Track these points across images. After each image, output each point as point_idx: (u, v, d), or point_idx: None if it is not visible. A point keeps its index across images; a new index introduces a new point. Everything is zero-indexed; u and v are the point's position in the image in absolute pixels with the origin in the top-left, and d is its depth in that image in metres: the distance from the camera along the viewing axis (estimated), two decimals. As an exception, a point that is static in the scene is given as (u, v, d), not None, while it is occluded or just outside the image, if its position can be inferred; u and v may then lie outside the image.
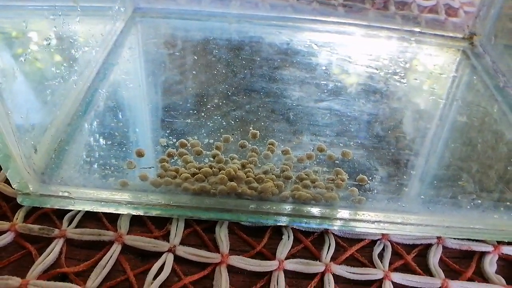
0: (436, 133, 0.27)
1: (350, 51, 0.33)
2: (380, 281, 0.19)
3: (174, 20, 0.35)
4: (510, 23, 0.33)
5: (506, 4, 0.33)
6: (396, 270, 0.20)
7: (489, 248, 0.21)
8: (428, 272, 0.20)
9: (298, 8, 0.37)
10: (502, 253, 0.21)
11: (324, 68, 0.31)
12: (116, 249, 0.20)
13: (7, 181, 0.22)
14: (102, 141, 0.24)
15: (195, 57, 0.31)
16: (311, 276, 0.19)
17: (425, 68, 0.32)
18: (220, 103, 0.27)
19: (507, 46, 0.33)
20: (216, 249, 0.20)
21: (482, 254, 0.21)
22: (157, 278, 0.19)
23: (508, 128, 0.28)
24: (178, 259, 0.20)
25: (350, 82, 0.30)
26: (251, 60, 0.31)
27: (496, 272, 0.20)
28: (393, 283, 0.19)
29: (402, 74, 0.31)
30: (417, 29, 0.36)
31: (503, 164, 0.25)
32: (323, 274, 0.19)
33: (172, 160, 0.22)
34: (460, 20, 0.38)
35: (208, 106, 0.26)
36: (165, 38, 0.33)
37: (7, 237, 0.20)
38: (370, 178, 0.22)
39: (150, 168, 0.22)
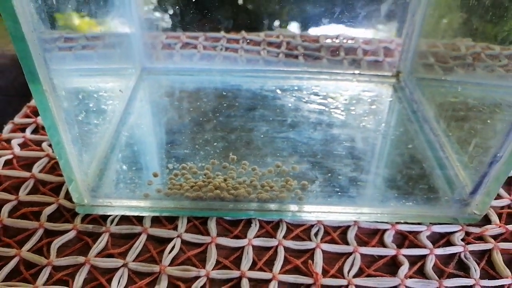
0: (363, 149, 0.37)
1: (306, 93, 0.44)
2: (313, 250, 0.30)
3: (172, 76, 0.46)
4: (420, 62, 0.44)
5: (418, 49, 0.44)
6: (325, 242, 0.30)
7: (388, 226, 0.32)
8: (346, 243, 0.31)
9: (268, 61, 0.48)
10: (397, 229, 0.32)
11: (285, 107, 0.42)
12: (143, 237, 0.30)
13: (65, 198, 0.33)
14: (128, 167, 0.35)
15: (189, 103, 0.42)
16: (269, 248, 0.30)
17: (362, 101, 0.43)
18: (209, 137, 0.38)
19: (418, 79, 0.44)
20: (208, 234, 0.31)
21: (384, 231, 0.31)
22: (170, 253, 0.29)
23: (417, 140, 0.38)
24: (183, 242, 0.30)
25: (303, 117, 0.41)
26: (231, 104, 0.42)
27: (392, 242, 0.31)
28: (323, 251, 0.30)
29: (343, 108, 0.42)
30: (357, 71, 0.47)
31: (406, 168, 0.36)
32: (277, 247, 0.30)
33: (177, 178, 0.33)
34: (394, 59, 0.49)
35: (200, 140, 0.37)
36: (166, 90, 0.44)
37: (71, 234, 0.31)
38: (310, 183, 0.33)
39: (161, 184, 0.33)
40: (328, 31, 0.52)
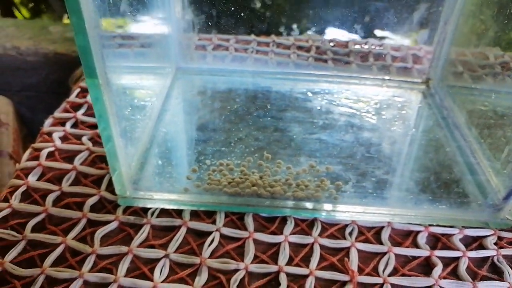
0: (395, 152, 0.38)
1: (336, 96, 0.45)
2: (348, 248, 0.31)
3: (205, 76, 0.47)
4: (451, 70, 0.45)
5: (449, 56, 0.45)
6: (360, 241, 0.31)
7: (422, 228, 0.32)
8: (380, 243, 0.31)
9: (298, 64, 0.49)
10: (430, 232, 0.32)
11: (316, 110, 0.43)
12: (183, 230, 0.31)
13: (107, 190, 0.34)
14: (168, 162, 0.36)
15: (222, 103, 0.43)
16: (305, 245, 0.31)
17: (392, 106, 0.44)
18: (242, 136, 0.39)
19: (449, 86, 0.44)
20: (245, 229, 0.32)
21: (417, 232, 0.32)
22: (210, 246, 0.30)
23: (447, 146, 0.39)
24: (222, 236, 0.31)
25: (334, 119, 0.41)
26: (263, 105, 0.43)
27: (425, 243, 0.31)
28: (358, 250, 0.31)
29: (373, 112, 0.43)
30: (387, 77, 0.48)
31: (438, 172, 0.36)
32: (313, 244, 0.31)
33: (214, 174, 0.34)
34: (423, 66, 0.50)
35: (235, 138, 0.38)
36: (199, 90, 0.46)
37: (114, 224, 0.32)
38: (345, 183, 0.34)
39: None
40: (359, 37, 0.53)
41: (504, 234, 0.32)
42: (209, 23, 0.48)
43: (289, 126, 0.40)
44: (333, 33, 0.54)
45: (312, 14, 0.53)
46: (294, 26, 0.55)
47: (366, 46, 0.52)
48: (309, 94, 0.45)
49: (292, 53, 0.51)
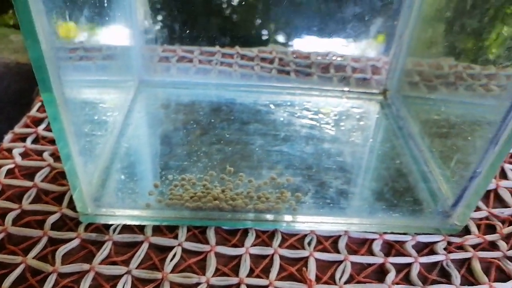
0: (352, 163, 0.40)
1: (298, 108, 0.46)
2: (307, 258, 0.32)
3: (169, 89, 0.48)
4: (407, 80, 0.47)
5: (405, 67, 0.47)
6: (318, 251, 0.32)
7: (376, 236, 0.34)
8: (337, 252, 0.33)
9: (261, 76, 0.50)
10: (385, 239, 0.34)
11: (278, 122, 0.44)
12: (145, 246, 0.32)
13: (68, 207, 0.34)
14: (129, 178, 0.36)
15: (186, 116, 0.44)
16: (266, 256, 0.32)
17: (351, 117, 0.46)
18: (206, 149, 0.39)
19: (404, 97, 0.47)
20: (207, 243, 0.32)
21: (373, 240, 0.34)
22: (172, 261, 0.31)
23: (402, 155, 0.41)
24: (184, 250, 0.32)
25: (296, 131, 0.43)
26: (226, 118, 0.44)
27: (380, 250, 0.33)
28: (316, 259, 0.32)
29: (333, 124, 0.44)
30: (346, 88, 0.49)
31: (393, 181, 0.38)
32: (273, 255, 0.32)
33: (177, 189, 0.35)
34: (381, 77, 0.52)
35: (198, 152, 0.39)
36: (163, 102, 0.46)
37: (75, 242, 0.32)
38: (304, 194, 0.35)
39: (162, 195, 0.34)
40: (319, 48, 0.55)
41: (453, 239, 0.34)
42: (173, 34, 0.48)
43: (252, 138, 0.41)
44: (296, 44, 0.56)
45: (275, 25, 0.55)
46: (258, 36, 0.56)
47: (327, 58, 0.53)
48: (272, 106, 0.46)
49: (255, 65, 0.52)
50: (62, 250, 0.31)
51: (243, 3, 0.55)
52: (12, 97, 0.75)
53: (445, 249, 0.33)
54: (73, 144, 0.28)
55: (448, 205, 0.34)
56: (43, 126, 0.43)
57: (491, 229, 0.36)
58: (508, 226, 0.36)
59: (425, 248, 0.33)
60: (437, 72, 0.45)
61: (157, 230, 0.33)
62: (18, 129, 0.43)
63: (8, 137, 0.42)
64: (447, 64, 0.45)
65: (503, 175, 0.41)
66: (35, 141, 0.41)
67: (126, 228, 0.33)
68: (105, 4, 0.37)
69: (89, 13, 0.33)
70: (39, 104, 0.46)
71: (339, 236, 0.34)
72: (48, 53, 0.24)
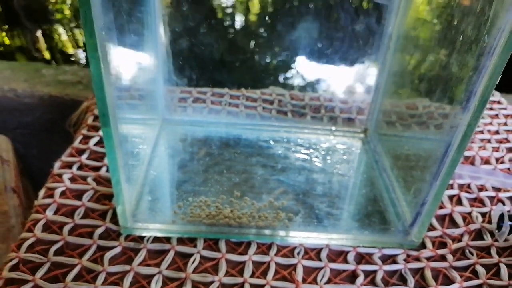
0: (335, 190, 0.49)
1: (293, 144, 0.56)
2: (296, 264, 0.41)
3: (186, 126, 0.58)
4: (384, 120, 0.57)
5: (382, 108, 0.57)
6: (305, 259, 0.42)
7: (351, 249, 0.43)
8: (320, 260, 0.42)
9: (263, 116, 0.61)
10: (357, 251, 0.43)
11: (276, 155, 0.54)
12: (172, 253, 0.41)
13: (111, 222, 0.44)
14: (159, 199, 0.46)
15: (200, 149, 0.54)
16: (264, 263, 0.41)
17: (336, 152, 0.56)
18: (218, 178, 0.49)
19: (380, 135, 0.56)
20: (219, 252, 0.42)
21: (348, 252, 0.43)
22: (192, 264, 0.40)
23: (376, 184, 0.50)
24: (201, 257, 0.41)
25: (290, 163, 0.53)
26: (233, 151, 0.54)
27: (353, 260, 0.42)
28: (303, 265, 0.41)
29: (321, 157, 0.54)
30: (333, 128, 0.60)
31: (367, 205, 0.47)
32: (270, 262, 0.41)
33: (195, 209, 0.44)
34: (364, 117, 0.62)
35: (211, 180, 0.49)
36: (181, 138, 0.56)
37: (118, 249, 0.41)
38: (295, 215, 0.45)
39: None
40: (313, 90, 0.65)
41: (412, 252, 0.43)
42: (190, 79, 0.59)
43: (254, 169, 0.51)
44: (293, 86, 0.67)
45: (275, 71, 0.66)
46: (260, 80, 0.67)
47: (318, 101, 0.64)
48: (271, 142, 0.56)
49: (258, 106, 0.62)
50: (108, 254, 0.40)
51: (248, 52, 0.65)
52: (44, 125, 0.85)
53: (404, 260, 0.43)
54: (122, 172, 0.38)
55: (407, 225, 0.44)
56: (85, 155, 0.53)
57: (443, 245, 0.45)
58: (457, 243, 0.45)
59: (389, 259, 0.43)
60: (404, 111, 0.54)
61: (181, 241, 0.43)
62: (65, 158, 0.53)
63: (57, 164, 0.51)
64: (411, 105, 0.55)
65: (459, 201, 0.51)
66: (80, 168, 0.51)
67: (156, 239, 0.43)
68: (139, 52, 0.47)
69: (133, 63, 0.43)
70: (80, 137, 0.56)
71: (322, 248, 0.43)
72: (109, 94, 0.33)
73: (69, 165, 0.51)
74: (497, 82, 0.33)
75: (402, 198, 0.47)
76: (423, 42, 0.48)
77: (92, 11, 0.29)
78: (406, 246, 0.44)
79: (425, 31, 0.47)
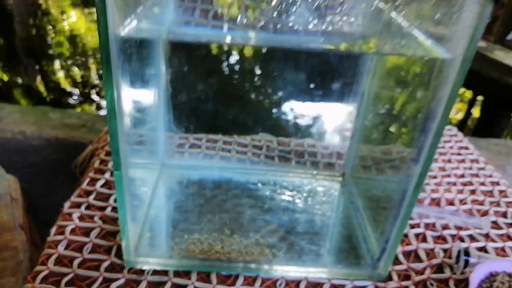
0: (314, 228, 0.56)
1: (279, 186, 0.63)
2: (278, 294, 0.47)
3: (184, 170, 0.65)
4: (360, 164, 0.64)
5: (359, 154, 0.64)
6: (286, 290, 0.48)
7: (326, 281, 0.49)
8: (299, 291, 0.48)
9: (252, 161, 0.68)
10: (332, 283, 0.49)
11: (263, 196, 0.60)
12: (169, 284, 0.47)
13: (115, 256, 0.50)
14: (158, 237, 0.52)
15: (195, 191, 0.60)
16: (250, 293, 0.47)
17: (317, 194, 0.62)
18: (210, 217, 0.55)
19: (356, 178, 0.63)
20: (211, 283, 0.48)
21: (323, 283, 0.49)
22: (187, 294, 0.46)
23: (351, 223, 0.57)
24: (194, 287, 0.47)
25: (276, 204, 0.59)
26: (225, 193, 0.60)
27: (328, 290, 0.48)
28: (284, 295, 0.47)
29: (303, 199, 0.61)
30: (315, 172, 0.67)
31: (342, 242, 0.54)
32: (255, 292, 0.47)
33: (190, 245, 0.51)
34: (342, 162, 0.69)
35: (205, 218, 0.55)
36: (178, 181, 0.63)
37: (122, 280, 0.47)
38: (278, 251, 0.51)
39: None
40: (297, 136, 0.73)
41: (379, 284, 0.50)
42: (188, 127, 0.66)
43: (243, 209, 0.57)
44: (279, 132, 0.74)
45: (264, 120, 0.73)
46: (250, 127, 0.75)
47: (302, 147, 0.71)
48: (260, 184, 0.63)
49: (248, 151, 0.70)
50: (113, 285, 0.46)
51: (240, 101, 0.73)
52: (50, 166, 0.92)
53: (372, 291, 0.49)
54: (128, 211, 0.45)
55: (375, 260, 0.50)
56: (92, 196, 0.59)
57: (407, 278, 0.51)
58: (420, 275, 0.51)
59: (360, 290, 0.49)
60: (374, 157, 0.62)
61: (177, 273, 0.48)
62: (74, 198, 0.59)
63: (67, 204, 0.58)
64: (380, 150, 0.62)
65: (424, 239, 0.57)
66: (87, 208, 0.57)
67: (155, 272, 0.48)
68: (144, 107, 0.55)
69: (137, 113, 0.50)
70: (88, 179, 0.63)
71: (300, 280, 0.49)
72: (122, 143, 0.40)
73: (78, 205, 0.58)
74: (439, 142, 0.40)
75: (372, 235, 0.53)
76: (387, 101, 0.56)
77: (112, 62, 0.36)
78: (375, 279, 0.50)
79: (387, 93, 0.56)
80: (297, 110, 0.69)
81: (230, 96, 0.72)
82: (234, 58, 0.70)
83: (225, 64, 0.71)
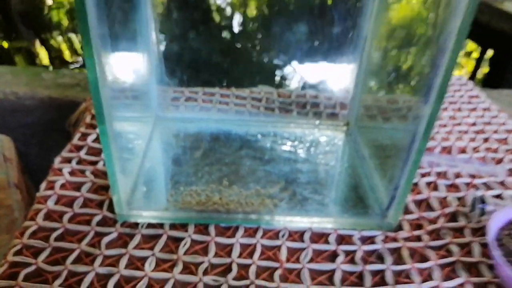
0: (318, 178, 0.52)
1: (279, 137, 0.59)
2: (280, 246, 0.44)
3: (180, 123, 0.61)
4: (365, 113, 0.60)
5: (362, 103, 0.60)
6: (289, 241, 0.45)
7: (332, 231, 0.46)
8: (303, 242, 0.45)
9: (251, 113, 0.64)
10: (338, 233, 0.46)
11: (263, 148, 0.57)
12: (164, 237, 0.44)
13: (107, 211, 0.47)
14: (153, 189, 0.49)
15: (192, 144, 0.57)
16: (251, 245, 0.44)
17: (320, 144, 0.59)
18: (208, 169, 0.52)
19: (360, 127, 0.60)
20: (209, 235, 0.45)
21: (329, 234, 0.46)
22: (183, 247, 0.43)
23: (356, 172, 0.54)
24: (192, 241, 0.44)
25: (277, 155, 0.56)
26: (223, 145, 0.57)
27: (334, 241, 0.45)
28: (287, 247, 0.44)
29: (306, 149, 0.57)
30: (318, 122, 0.63)
31: (348, 191, 0.51)
32: (256, 244, 0.44)
33: (186, 196, 0.48)
34: (346, 112, 0.65)
35: (202, 170, 0.52)
36: (174, 133, 0.59)
37: (114, 234, 0.44)
38: (280, 201, 0.48)
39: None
40: (299, 87, 0.69)
41: (389, 234, 0.47)
42: (182, 78, 0.62)
43: (243, 160, 0.54)
44: (280, 84, 0.70)
45: (263, 70, 0.69)
46: (249, 78, 0.70)
47: (304, 98, 0.67)
48: (259, 136, 0.59)
49: (247, 103, 0.66)
50: (105, 239, 0.44)
51: (236, 51, 0.69)
52: (45, 126, 0.88)
53: (382, 240, 0.46)
54: (117, 165, 0.41)
55: (384, 209, 0.47)
56: (83, 151, 0.56)
57: (419, 227, 0.48)
58: (432, 225, 0.48)
59: (367, 240, 0.46)
60: (380, 105, 0.58)
61: (173, 226, 0.46)
62: (64, 153, 0.56)
63: (57, 159, 0.55)
64: (386, 97, 0.58)
65: (435, 188, 0.54)
66: (78, 162, 0.54)
67: (150, 225, 0.46)
68: (134, 53, 0.51)
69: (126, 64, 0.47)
70: (79, 134, 0.59)
71: (305, 231, 0.46)
72: (105, 95, 0.37)
73: (68, 160, 0.55)
74: (450, 78, 0.36)
75: (380, 184, 0.50)
76: (392, 44, 0.51)
77: (88, 21, 0.32)
78: (384, 228, 0.47)
79: (392, 34, 0.51)
80: (297, 59, 0.64)
81: (224, 45, 0.67)
82: (230, 2, 0.65)
83: (219, 11, 0.66)
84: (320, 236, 0.46)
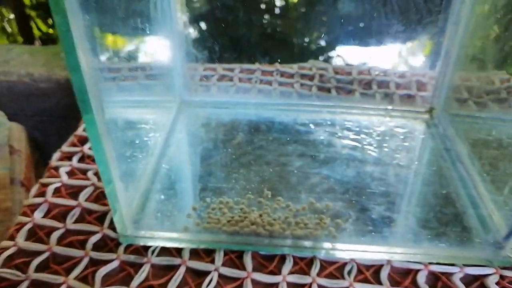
0: (396, 187, 0.38)
1: (339, 128, 0.45)
2: (347, 288, 0.31)
3: (209, 109, 0.48)
4: (455, 97, 0.45)
5: (453, 83, 0.45)
6: (358, 281, 0.31)
7: (421, 267, 0.32)
8: (379, 283, 0.31)
9: (301, 94, 0.50)
10: (430, 270, 0.32)
11: (317, 142, 0.43)
12: (182, 269, 0.32)
13: (109, 228, 0.35)
14: (169, 200, 0.36)
15: (225, 136, 0.44)
16: (303, 285, 0.31)
17: (394, 137, 0.44)
18: (244, 171, 0.39)
19: (452, 115, 0.44)
20: (244, 269, 0.32)
21: (417, 271, 0.32)
22: (208, 287, 0.30)
23: (450, 179, 0.39)
24: (220, 276, 0.31)
25: (336, 153, 0.42)
26: (265, 138, 0.43)
27: (425, 282, 0.31)
28: (356, 289, 0.31)
29: (376, 145, 0.43)
30: (390, 107, 0.48)
31: (439, 207, 0.36)
32: (311, 284, 0.31)
33: (214, 212, 0.35)
34: (427, 94, 0.50)
35: (236, 174, 0.39)
36: (203, 122, 0.46)
37: (115, 263, 0.32)
38: (344, 221, 0.34)
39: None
40: (361, 63, 0.54)
41: (506, 273, 0.32)
42: (213, 53, 0.49)
43: (290, 160, 0.40)
44: (337, 59, 0.55)
45: (315, 39, 0.54)
46: (297, 51, 0.56)
47: (369, 75, 0.52)
48: (311, 125, 0.45)
49: (295, 82, 0.51)
50: (102, 271, 0.32)
51: (282, 18, 0.55)
52: (62, 112, 0.78)
53: (497, 283, 0.31)
54: (114, 168, 0.29)
55: (500, 236, 0.32)
56: (88, 145, 0.44)
57: (550, 263, 0.33)
58: None
59: (475, 282, 0.31)
60: (488, 87, 0.43)
61: (194, 253, 0.33)
62: (65, 148, 0.44)
63: (56, 155, 0.43)
64: (499, 78, 0.43)
65: None
66: (81, 159, 0.43)
67: (164, 251, 0.33)
68: (147, 25, 0.38)
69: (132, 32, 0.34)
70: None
71: (381, 266, 0.32)
72: (88, 74, 0.24)
73: (69, 156, 0.43)
74: None
75: (489, 198, 0.35)
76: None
77: None
78: (498, 264, 0.32)
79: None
80: (361, 24, 0.49)
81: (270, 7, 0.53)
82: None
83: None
84: (404, 274, 0.32)
